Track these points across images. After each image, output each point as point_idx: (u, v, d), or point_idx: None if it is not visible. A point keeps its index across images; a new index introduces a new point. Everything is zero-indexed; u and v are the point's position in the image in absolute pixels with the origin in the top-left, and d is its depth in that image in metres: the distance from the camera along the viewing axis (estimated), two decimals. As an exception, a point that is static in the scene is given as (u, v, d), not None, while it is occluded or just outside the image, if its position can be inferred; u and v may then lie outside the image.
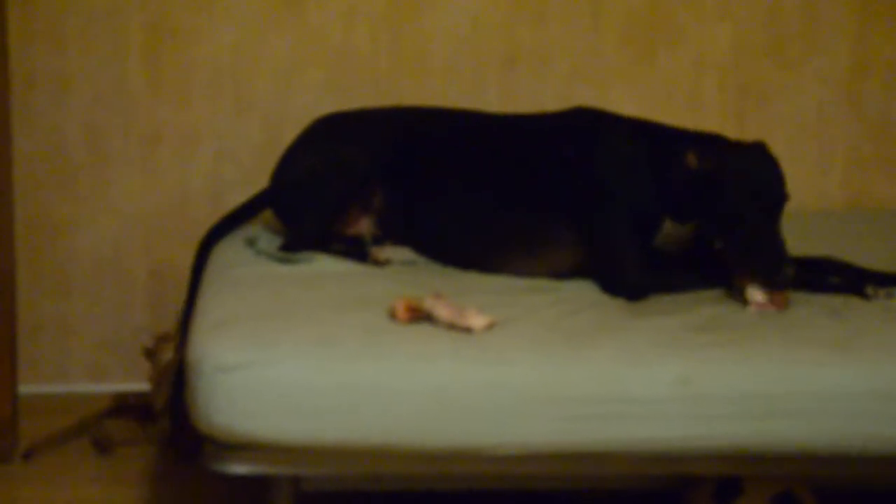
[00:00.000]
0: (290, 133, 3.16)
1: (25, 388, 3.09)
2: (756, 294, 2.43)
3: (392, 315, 2.36)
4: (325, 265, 2.68)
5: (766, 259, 2.42)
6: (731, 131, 3.19)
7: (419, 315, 2.35)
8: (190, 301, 2.67)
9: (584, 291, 2.55)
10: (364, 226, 2.79)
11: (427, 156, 2.73)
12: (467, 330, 2.31)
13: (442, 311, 2.33)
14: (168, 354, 2.73)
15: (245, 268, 2.66)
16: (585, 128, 2.65)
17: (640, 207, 2.57)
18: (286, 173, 2.81)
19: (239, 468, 2.23)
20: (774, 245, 2.44)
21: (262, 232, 2.83)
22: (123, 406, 2.98)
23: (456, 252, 2.68)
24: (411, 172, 2.72)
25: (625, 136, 2.62)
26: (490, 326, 2.33)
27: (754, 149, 2.54)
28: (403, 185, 2.72)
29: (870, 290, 2.50)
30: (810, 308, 2.48)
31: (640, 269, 2.54)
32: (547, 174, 2.64)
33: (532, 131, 2.72)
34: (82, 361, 3.23)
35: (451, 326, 2.32)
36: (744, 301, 2.46)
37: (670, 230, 2.59)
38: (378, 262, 2.65)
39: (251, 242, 2.78)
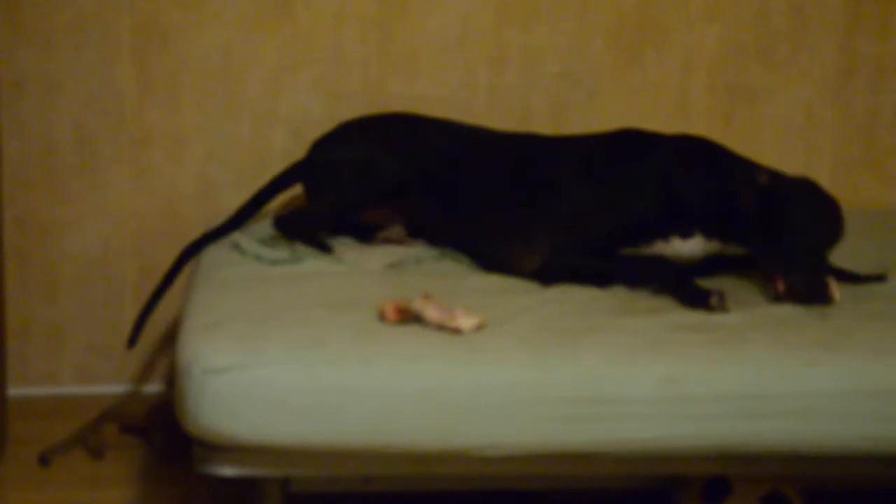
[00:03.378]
0: (280, 134, 3.17)
1: (14, 391, 3.09)
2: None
3: (381, 316, 2.36)
4: (313, 266, 2.69)
5: (813, 286, 2.46)
6: (719, 132, 3.20)
7: (408, 316, 2.35)
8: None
9: (571, 292, 2.55)
10: (389, 218, 2.86)
11: (464, 171, 2.82)
12: (456, 331, 2.32)
13: (431, 312, 2.34)
14: None
15: (233, 269, 2.66)
16: (632, 145, 2.71)
17: (672, 215, 2.60)
18: (326, 152, 2.89)
19: (228, 470, 2.23)
20: (822, 274, 2.48)
21: (245, 236, 2.83)
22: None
23: (471, 250, 2.75)
24: (443, 181, 2.80)
25: (674, 151, 2.67)
26: (479, 327, 2.33)
27: (808, 181, 2.60)
28: (434, 191, 2.81)
29: (714, 300, 2.47)
30: (797, 308, 2.49)
31: (597, 253, 2.59)
32: (576, 183, 2.69)
33: (576, 151, 2.78)
34: (71, 364, 3.23)
35: (440, 327, 2.33)
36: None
37: (702, 246, 2.62)
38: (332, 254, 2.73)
39: (236, 246, 2.79)
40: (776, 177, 2.54)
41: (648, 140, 2.72)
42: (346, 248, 2.77)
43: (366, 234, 2.84)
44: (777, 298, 2.50)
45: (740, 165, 2.61)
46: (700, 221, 2.59)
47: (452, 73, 3.20)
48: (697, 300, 2.46)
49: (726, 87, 3.26)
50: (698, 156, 2.66)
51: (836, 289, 2.49)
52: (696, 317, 2.42)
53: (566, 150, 2.79)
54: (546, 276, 2.59)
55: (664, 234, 2.60)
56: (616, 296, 2.54)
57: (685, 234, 2.60)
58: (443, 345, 2.27)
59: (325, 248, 2.74)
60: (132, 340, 2.91)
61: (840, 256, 2.69)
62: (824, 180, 3.23)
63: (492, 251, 2.70)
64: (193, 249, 2.87)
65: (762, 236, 2.52)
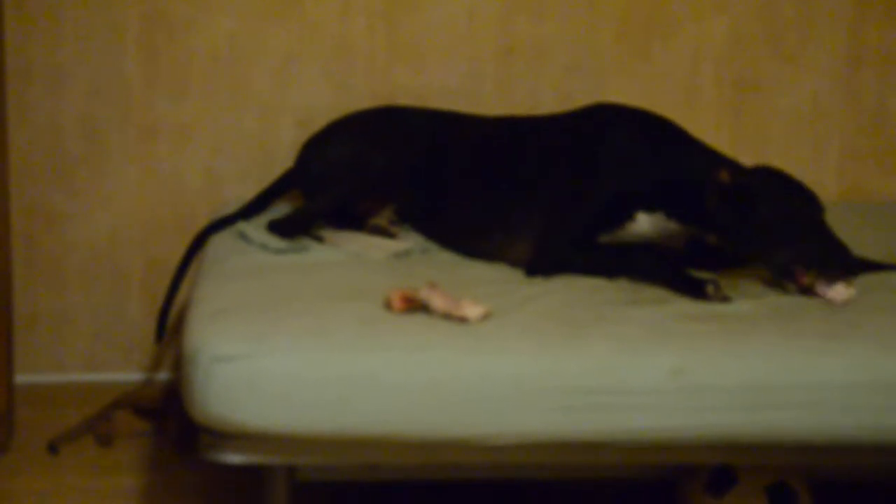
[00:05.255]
0: (287, 125, 3.17)
1: (22, 379, 3.10)
2: (838, 290, 2.46)
3: (387, 305, 2.36)
4: (320, 255, 2.70)
5: (837, 256, 2.46)
6: (728, 124, 3.20)
7: (414, 305, 2.35)
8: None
9: (577, 282, 2.55)
10: (382, 211, 2.90)
11: (448, 158, 2.84)
12: (462, 320, 2.32)
13: (437, 301, 2.34)
14: None
15: (240, 258, 2.67)
16: (596, 123, 2.72)
17: (630, 194, 2.60)
18: (316, 154, 2.93)
19: (235, 458, 2.23)
20: (835, 240, 2.48)
21: (251, 225, 2.84)
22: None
23: (457, 240, 2.76)
24: (431, 172, 2.84)
25: (632, 129, 2.68)
26: (485, 316, 2.33)
27: (767, 168, 2.59)
28: (423, 183, 2.84)
29: (710, 289, 2.46)
30: (805, 299, 2.48)
31: (577, 246, 2.59)
32: (550, 167, 2.70)
33: (547, 130, 2.80)
34: (78, 352, 3.23)
35: (447, 316, 2.33)
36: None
37: (666, 224, 2.61)
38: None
39: (242, 235, 2.80)
40: (736, 172, 2.52)
41: (611, 116, 2.72)
42: (346, 238, 2.78)
43: (355, 223, 2.86)
44: (803, 291, 2.48)
45: (701, 156, 2.60)
46: (661, 202, 2.59)
47: (459, 65, 3.20)
48: (693, 290, 2.46)
49: (734, 78, 3.26)
50: (658, 134, 2.66)
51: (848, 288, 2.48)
52: (703, 307, 2.42)
53: (538, 133, 2.80)
54: (533, 268, 2.60)
55: (632, 212, 2.60)
56: (622, 286, 2.54)
57: (648, 210, 2.60)
58: (449, 334, 2.27)
59: (319, 241, 2.78)
60: (160, 335, 2.95)
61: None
62: (832, 172, 3.24)
63: (476, 241, 2.73)
64: (203, 237, 2.89)
65: (735, 229, 2.51)
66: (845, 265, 2.45)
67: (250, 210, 2.94)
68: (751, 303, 2.45)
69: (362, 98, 3.15)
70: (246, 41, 3.15)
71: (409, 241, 2.80)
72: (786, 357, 2.25)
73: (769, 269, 2.52)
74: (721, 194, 2.50)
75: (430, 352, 2.23)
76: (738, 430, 2.23)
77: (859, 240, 2.81)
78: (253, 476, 2.33)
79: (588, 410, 2.21)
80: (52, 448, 2.82)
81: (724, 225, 2.53)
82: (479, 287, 2.49)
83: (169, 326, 3.03)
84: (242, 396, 2.18)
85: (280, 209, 2.97)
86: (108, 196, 3.19)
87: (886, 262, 2.68)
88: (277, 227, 2.79)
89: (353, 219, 2.88)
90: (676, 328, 2.32)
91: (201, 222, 3.04)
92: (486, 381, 2.21)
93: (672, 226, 2.60)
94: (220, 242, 2.81)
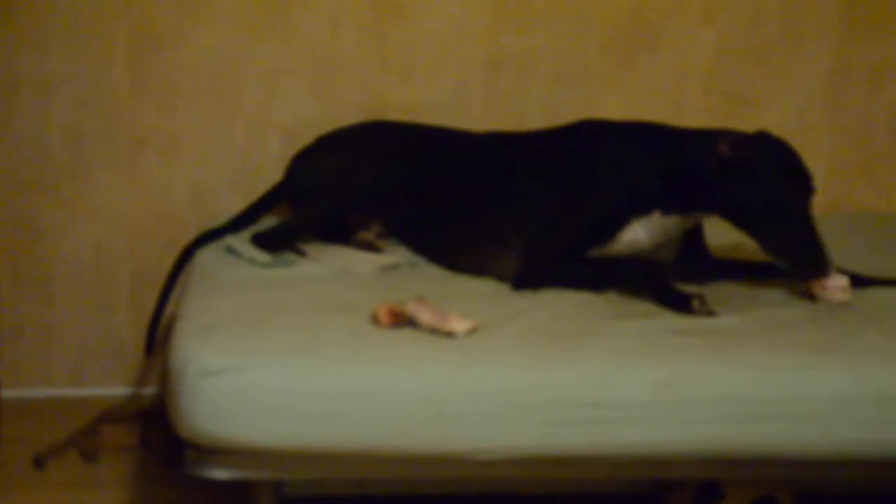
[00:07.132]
0: (274, 138, 3.17)
1: (7, 393, 3.09)
2: (836, 293, 2.48)
3: (374, 319, 2.36)
4: (308, 269, 2.70)
5: (811, 249, 2.48)
6: (714, 137, 3.20)
7: (401, 319, 2.35)
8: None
9: (565, 296, 2.55)
10: (370, 225, 2.90)
11: (436, 172, 2.85)
12: (449, 334, 2.32)
13: (424, 315, 2.34)
14: None
15: (228, 272, 2.66)
16: (585, 137, 2.73)
17: (623, 202, 2.61)
18: (306, 168, 2.94)
19: (221, 473, 2.23)
20: (814, 233, 2.49)
21: (239, 239, 2.84)
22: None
23: (445, 254, 2.76)
24: (419, 186, 2.84)
25: (623, 137, 2.68)
26: (472, 331, 2.33)
27: (769, 137, 2.58)
28: (411, 197, 2.84)
29: (695, 303, 2.46)
30: (791, 312, 2.49)
31: (565, 259, 2.59)
32: (538, 181, 2.71)
33: (535, 144, 2.81)
34: (65, 366, 3.22)
35: (434, 331, 2.33)
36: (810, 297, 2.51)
37: (662, 225, 2.61)
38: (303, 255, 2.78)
39: (230, 250, 2.79)
40: (736, 143, 2.52)
41: (600, 129, 2.73)
42: (330, 253, 2.78)
43: (342, 237, 2.86)
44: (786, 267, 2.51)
45: (696, 138, 2.60)
46: (657, 200, 2.58)
47: (447, 78, 3.21)
48: (679, 304, 2.46)
49: (721, 92, 3.27)
50: (648, 136, 2.66)
51: (848, 291, 2.49)
52: (690, 321, 2.43)
53: (527, 149, 2.81)
54: (520, 281, 2.60)
55: (626, 219, 2.59)
56: (610, 300, 2.54)
57: (643, 213, 2.59)
58: (438, 349, 2.27)
59: (301, 255, 2.78)
60: (149, 348, 2.96)
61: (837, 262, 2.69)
62: (817, 185, 3.23)
63: (464, 255, 2.73)
64: (190, 251, 2.89)
65: (730, 202, 2.51)
66: (819, 264, 2.47)
67: (238, 223, 2.94)
68: (737, 317, 2.45)
69: (350, 111, 3.15)
70: (233, 54, 3.15)
71: (397, 254, 2.81)
72: (772, 370, 2.26)
73: (766, 252, 2.53)
74: (722, 167, 2.50)
75: (418, 366, 2.23)
76: (724, 443, 2.23)
77: (846, 252, 2.82)
78: (239, 491, 2.33)
79: (575, 424, 2.21)
80: (38, 462, 2.81)
81: (723, 201, 2.52)
82: (466, 301, 2.49)
83: (157, 340, 3.03)
84: (229, 411, 2.17)
85: (268, 222, 2.97)
86: (95, 208, 3.18)
87: (873, 276, 2.69)
88: (261, 240, 2.79)
89: (340, 232, 2.88)
90: (663, 342, 2.32)
91: (189, 234, 3.04)
92: (474, 395, 2.21)
93: (670, 221, 2.59)
94: (208, 256, 2.81)
